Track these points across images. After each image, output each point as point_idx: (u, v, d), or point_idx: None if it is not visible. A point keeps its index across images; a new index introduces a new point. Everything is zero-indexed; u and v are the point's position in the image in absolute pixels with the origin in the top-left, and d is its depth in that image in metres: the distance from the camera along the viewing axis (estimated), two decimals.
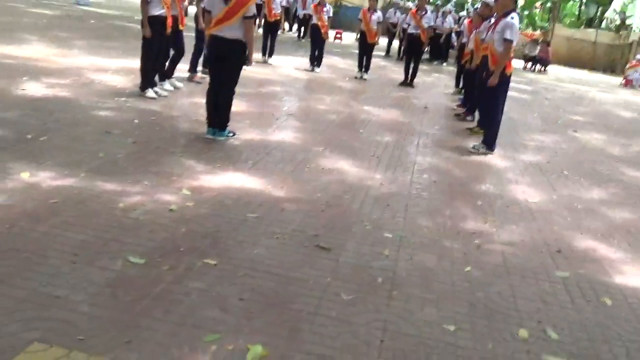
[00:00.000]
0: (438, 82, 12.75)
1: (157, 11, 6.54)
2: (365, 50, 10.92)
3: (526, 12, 30.68)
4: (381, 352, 2.49)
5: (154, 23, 6.54)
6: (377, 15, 10.97)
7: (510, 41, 5.86)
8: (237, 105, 6.76)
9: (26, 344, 2.21)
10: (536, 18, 32.51)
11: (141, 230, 3.34)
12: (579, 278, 3.50)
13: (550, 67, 20.88)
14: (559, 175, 5.89)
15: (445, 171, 5.50)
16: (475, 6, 13.15)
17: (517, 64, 20.86)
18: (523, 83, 15.05)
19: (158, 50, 6.78)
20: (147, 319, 2.49)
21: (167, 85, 7.32)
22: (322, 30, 10.95)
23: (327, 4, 11.33)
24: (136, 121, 5.72)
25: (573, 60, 24.64)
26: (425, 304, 2.95)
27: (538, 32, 26.35)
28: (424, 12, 10.58)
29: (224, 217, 3.70)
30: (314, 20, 11.20)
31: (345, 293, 2.95)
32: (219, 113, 5.41)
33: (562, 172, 6.07)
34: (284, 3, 14.47)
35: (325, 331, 2.59)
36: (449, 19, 16.39)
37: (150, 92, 6.83)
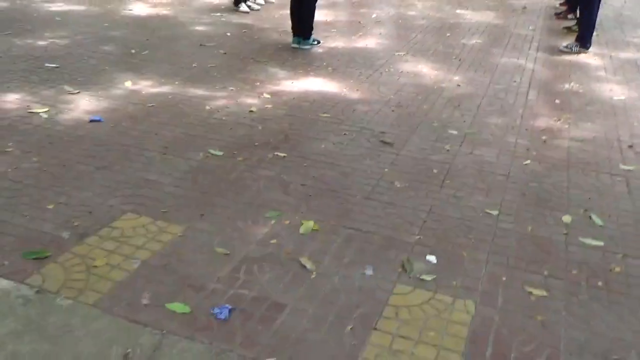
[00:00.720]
0: None
1: None
2: None
3: None
4: (422, 230, 2.76)
5: None
6: None
7: None
8: (326, 14, 6.98)
9: (122, 213, 2.72)
10: None
11: (223, 128, 3.76)
12: None
13: None
14: None
15: (530, 71, 5.42)
16: None
17: None
18: None
19: None
20: (220, 198, 2.92)
21: None
22: None
23: None
24: (228, 34, 6.11)
25: None
26: (475, 192, 3.14)
27: None
28: None
29: (298, 116, 4.03)
30: None
31: (400, 181, 3.21)
32: (301, 23, 5.63)
33: None
34: None
35: (374, 212, 2.89)
36: None
37: (243, 6, 7.16)
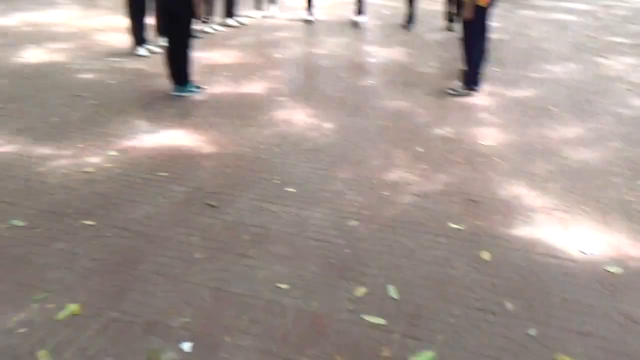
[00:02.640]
0: None
1: None
2: None
3: None
4: (195, 311, 2.59)
5: None
6: None
7: None
8: (227, 56, 6.90)
9: None
10: None
11: (42, 193, 3.60)
12: (473, 230, 3.36)
13: None
14: (542, 112, 5.53)
15: (408, 115, 5.33)
16: None
17: None
18: (580, 1, 13.84)
19: (142, 7, 6.92)
20: None
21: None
22: None
23: None
24: (112, 82, 5.97)
25: None
26: (276, 262, 2.99)
27: None
28: None
29: (132, 176, 3.87)
30: None
31: (201, 252, 3.05)
32: (174, 69, 5.51)
33: (548, 108, 5.68)
34: None
35: (154, 290, 2.72)
36: None
37: (141, 50, 7.05)
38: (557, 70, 7.20)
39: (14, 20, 8.73)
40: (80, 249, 3.03)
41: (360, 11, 9.49)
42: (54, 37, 7.75)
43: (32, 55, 6.81)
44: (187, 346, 2.38)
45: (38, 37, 7.71)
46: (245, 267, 2.93)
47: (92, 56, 6.90)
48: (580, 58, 7.92)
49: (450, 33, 9.12)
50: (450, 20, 9.31)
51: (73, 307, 2.57)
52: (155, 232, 3.22)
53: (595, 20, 11.32)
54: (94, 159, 4.11)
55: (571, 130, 5.06)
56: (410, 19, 9.36)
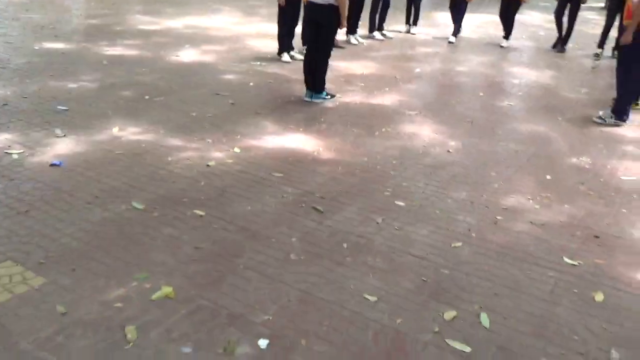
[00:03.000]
0: None
1: None
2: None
3: None
4: (278, 311, 2.61)
5: None
6: None
7: None
8: (365, 67, 6.96)
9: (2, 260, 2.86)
10: None
11: (165, 181, 3.84)
12: (591, 269, 3.05)
13: None
14: None
15: (543, 140, 5.00)
16: None
17: None
18: None
19: (292, 16, 7.19)
20: (103, 254, 2.96)
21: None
22: None
23: None
24: (251, 84, 6.26)
25: None
26: (369, 274, 2.93)
27: None
28: None
29: (249, 174, 4.02)
30: None
31: (298, 254, 3.07)
32: (313, 76, 5.65)
33: None
34: None
35: (245, 285, 2.78)
36: None
37: (285, 56, 7.33)
38: None
39: (179, 23, 9.50)
40: (187, 236, 3.18)
41: (507, 34, 9.02)
42: (209, 39, 8.31)
43: (186, 54, 7.35)
44: (263, 343, 2.40)
45: (195, 38, 8.32)
46: (338, 275, 2.90)
47: (239, 59, 7.29)
48: None
49: (605, 59, 8.43)
50: (601, 46, 8.53)
51: (167, 290, 2.70)
52: (259, 229, 3.29)
53: None
54: (218, 154, 4.32)
55: None
56: (564, 41, 8.78)
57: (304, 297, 2.71)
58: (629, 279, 2.97)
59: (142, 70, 6.51)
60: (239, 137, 4.69)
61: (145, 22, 9.36)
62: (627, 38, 5.17)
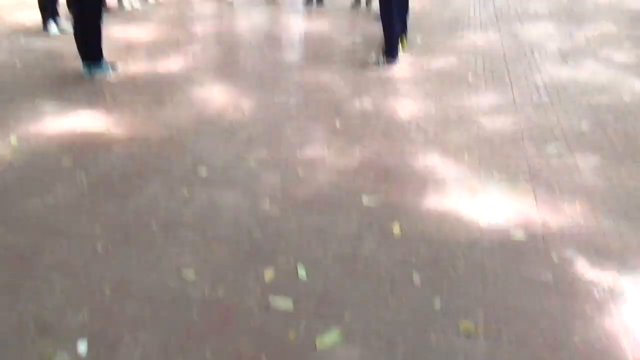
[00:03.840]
0: None
1: None
2: None
3: None
4: (97, 306, 2.48)
5: None
6: None
7: None
8: (142, 33, 6.62)
9: None
10: None
11: None
12: (386, 204, 3.35)
13: None
14: (460, 82, 5.56)
15: (328, 89, 5.26)
16: None
17: None
18: None
19: None
20: None
21: None
22: None
23: None
24: (18, 64, 5.63)
25: None
26: (184, 251, 2.90)
27: None
28: None
29: (33, 165, 3.68)
30: None
31: (104, 244, 2.91)
32: (86, 45, 5.24)
33: (466, 77, 5.73)
34: None
35: (50, 288, 2.58)
36: None
37: (52, 28, 6.69)
38: (478, 40, 7.27)
39: None
40: None
41: None
42: None
43: None
44: (82, 347, 2.28)
45: None
46: (151, 257, 2.83)
47: (3, 34, 6.48)
48: (500, 27, 8.02)
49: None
50: None
51: None
52: (55, 225, 3.06)
53: None
54: None
55: (486, 99, 5.12)
56: None
57: (118, 287, 2.61)
58: (419, 207, 3.33)
59: None
60: (12, 125, 4.25)
61: None
62: None
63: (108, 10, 7.51)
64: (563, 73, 5.87)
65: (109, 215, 3.16)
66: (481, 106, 4.93)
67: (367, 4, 8.79)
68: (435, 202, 3.38)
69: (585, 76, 5.79)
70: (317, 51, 6.49)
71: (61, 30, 6.71)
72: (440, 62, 6.14)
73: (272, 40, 6.89)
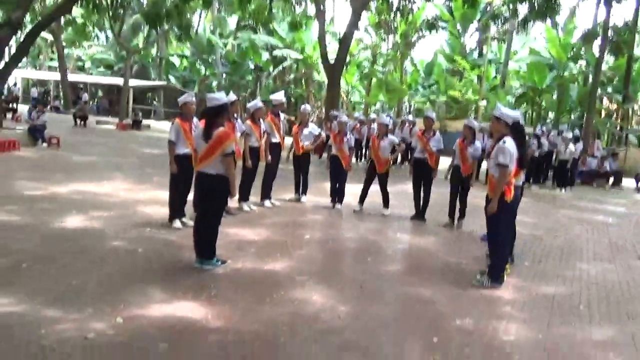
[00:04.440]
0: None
1: (182, 150, 7.16)
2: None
3: None
4: None
5: (180, 160, 7.14)
6: (389, 139, 9.35)
7: (505, 166, 5.60)
8: (256, 233, 7.05)
9: None
10: None
11: (35, 357, 3.51)
12: None
13: None
14: (570, 311, 5.27)
15: (428, 304, 5.16)
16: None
17: (627, 183, 19.20)
18: (621, 205, 13.89)
19: (184, 183, 7.30)
20: None
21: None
22: (343, 162, 9.61)
23: (347, 132, 9.77)
24: (140, 250, 6.10)
25: None
26: None
27: None
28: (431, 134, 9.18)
29: (131, 346, 3.78)
30: (334, 151, 9.72)
31: None
32: (202, 242, 5.63)
33: (577, 306, 5.43)
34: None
35: None
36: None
37: (176, 223, 7.31)
38: (591, 270, 7.01)
39: (67, 189, 9.30)
40: None
41: (385, 203, 9.55)
42: (97, 205, 8.16)
43: (71, 220, 7.13)
44: None
45: (83, 204, 8.13)
46: None
47: (128, 224, 7.16)
48: (616, 260, 7.72)
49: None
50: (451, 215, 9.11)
51: None
52: None
53: (634, 224, 11.24)
54: (98, 325, 4.07)
55: (601, 333, 4.76)
56: (461, 214, 9.09)
57: None
58: None
59: (21, 237, 6.20)
60: (122, 306, 4.48)
61: (30, 188, 9.10)
62: (493, 208, 5.69)
63: (229, 211, 8.13)
64: None
65: None
66: (594, 339, 4.57)
67: (458, 225, 8.87)
68: None
69: None
70: (420, 265, 6.51)
71: (183, 224, 7.29)
72: (550, 290, 5.91)
73: (377, 250, 7.04)
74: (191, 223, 7.15)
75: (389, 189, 9.40)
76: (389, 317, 4.72)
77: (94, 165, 12.37)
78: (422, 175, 9.10)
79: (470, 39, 35.24)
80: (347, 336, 4.25)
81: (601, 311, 5.34)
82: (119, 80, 31.47)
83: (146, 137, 22.73)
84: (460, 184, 8.79)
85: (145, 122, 27.19)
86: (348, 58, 26.57)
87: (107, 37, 42.55)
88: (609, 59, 28.51)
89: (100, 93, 42.56)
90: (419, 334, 4.40)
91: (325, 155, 12.96)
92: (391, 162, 9.89)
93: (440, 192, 9.50)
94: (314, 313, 4.67)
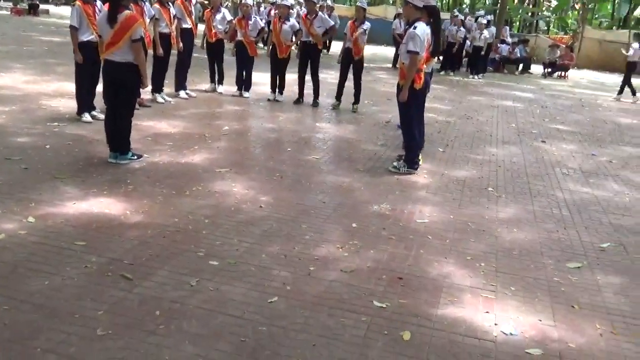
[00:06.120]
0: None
1: (86, 37, 6.65)
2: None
3: (555, 15, 29.92)
4: None
5: (85, 48, 6.65)
6: (291, 23, 9.15)
7: (416, 52, 5.59)
8: (174, 126, 6.85)
9: None
10: (569, 21, 31.56)
11: None
12: (397, 309, 3.25)
13: (575, 72, 20.04)
14: (480, 193, 5.57)
15: (347, 192, 5.29)
16: None
17: (535, 69, 20.29)
18: (529, 90, 14.51)
19: (92, 74, 6.87)
20: None
21: None
22: (249, 48, 9.34)
23: (251, 16, 9.38)
24: (48, 146, 5.80)
25: (605, 64, 23.57)
26: (187, 340, 2.80)
27: (568, 36, 25.47)
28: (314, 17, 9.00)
29: (46, 245, 3.67)
30: (239, 37, 9.33)
31: (105, 328, 2.84)
32: (117, 136, 5.41)
33: (486, 188, 5.74)
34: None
35: None
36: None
37: (86, 116, 6.94)
38: (499, 153, 7.36)
39: None
40: None
41: (280, 89, 9.56)
42: None
43: None
44: None
45: None
46: (151, 345, 2.74)
47: (33, 120, 6.75)
48: (522, 143, 8.15)
49: None
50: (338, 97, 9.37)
51: None
52: (58, 305, 3.00)
53: (541, 108, 11.80)
54: (9, 225, 3.90)
55: (506, 211, 5.09)
56: (355, 99, 9.39)
57: None
58: (431, 315, 3.21)
59: None
60: (33, 204, 4.30)
61: None
62: (404, 96, 5.74)
63: (141, 103, 7.80)
64: (584, 191, 5.85)
65: (114, 300, 3.09)
66: (501, 217, 4.89)
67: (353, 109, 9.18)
68: (448, 310, 3.27)
69: (607, 196, 5.76)
70: (339, 154, 6.60)
71: (94, 117, 6.95)
72: (461, 173, 6.19)
73: (297, 140, 7.05)
74: (102, 116, 6.83)
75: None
76: (308, 205, 4.81)
77: None
78: (349, 63, 9.11)
79: None
80: (269, 225, 4.30)
81: (507, 191, 5.68)
82: None
83: (45, 23, 21.03)
84: (350, 66, 8.89)
85: (43, 7, 25.01)
86: None
87: None
88: None
89: None
90: (338, 220, 4.52)
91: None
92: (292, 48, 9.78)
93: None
94: (235, 204, 4.69)
